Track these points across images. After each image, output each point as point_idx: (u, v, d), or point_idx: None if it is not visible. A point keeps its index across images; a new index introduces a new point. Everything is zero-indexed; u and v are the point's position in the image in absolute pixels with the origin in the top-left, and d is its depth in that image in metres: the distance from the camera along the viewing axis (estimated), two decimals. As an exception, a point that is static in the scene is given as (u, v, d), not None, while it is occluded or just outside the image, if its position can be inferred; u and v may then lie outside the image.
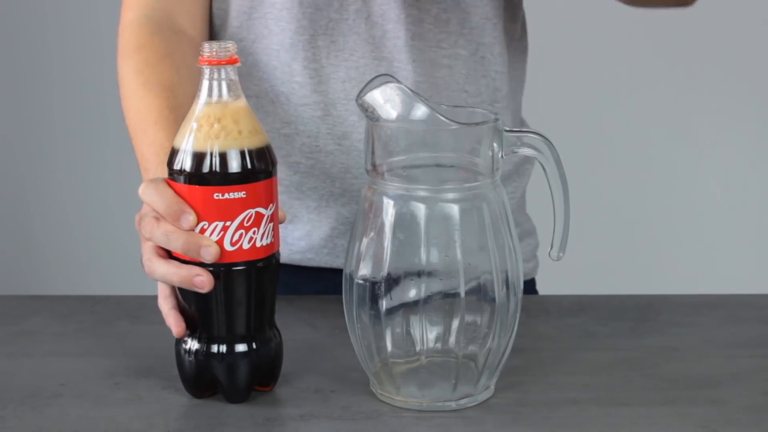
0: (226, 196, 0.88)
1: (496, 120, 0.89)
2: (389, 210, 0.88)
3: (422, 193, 0.88)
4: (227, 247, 0.89)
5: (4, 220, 2.75)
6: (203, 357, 0.91)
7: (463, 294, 0.87)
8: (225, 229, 0.89)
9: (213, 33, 1.21)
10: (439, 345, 0.89)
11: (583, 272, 2.13)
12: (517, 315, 0.91)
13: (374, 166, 0.89)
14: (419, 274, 0.87)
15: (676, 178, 2.62)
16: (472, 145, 0.89)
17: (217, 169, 0.88)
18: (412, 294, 0.88)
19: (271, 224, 0.91)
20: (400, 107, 0.89)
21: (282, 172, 1.17)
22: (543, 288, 1.31)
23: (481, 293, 0.88)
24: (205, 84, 0.90)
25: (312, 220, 1.18)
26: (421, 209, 0.88)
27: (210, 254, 0.88)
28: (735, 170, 2.66)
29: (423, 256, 0.87)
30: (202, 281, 0.89)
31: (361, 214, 0.90)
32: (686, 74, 2.61)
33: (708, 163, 2.65)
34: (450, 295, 0.88)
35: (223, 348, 0.91)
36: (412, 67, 1.13)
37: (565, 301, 1.14)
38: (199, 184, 0.89)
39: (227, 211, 0.89)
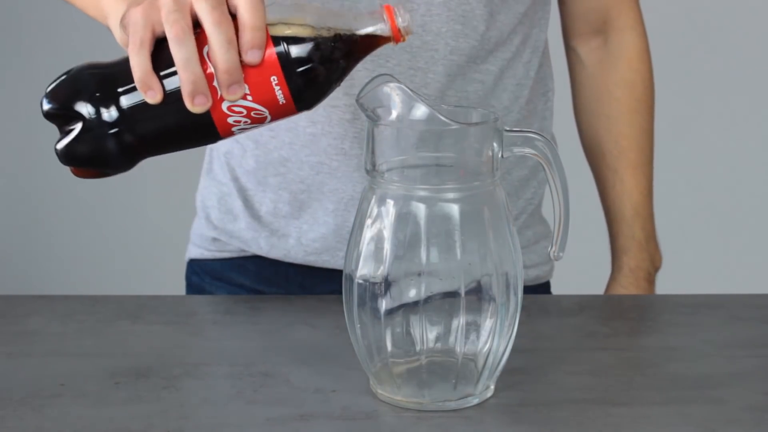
0: (271, 80, 0.88)
1: (496, 120, 0.89)
2: (389, 210, 0.88)
3: (422, 193, 0.88)
4: (223, 107, 0.87)
5: (5, 220, 2.75)
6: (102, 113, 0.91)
7: (463, 294, 0.87)
8: (244, 97, 0.88)
9: None
10: (439, 345, 0.89)
11: (583, 272, 2.13)
12: (517, 315, 0.91)
13: (374, 166, 0.89)
14: (419, 274, 0.87)
15: (676, 177, 2.62)
16: (472, 145, 0.88)
17: (290, 53, 0.88)
18: (412, 294, 0.88)
19: (256, 125, 0.90)
20: (400, 107, 0.89)
21: (304, 171, 1.17)
22: (557, 290, 1.31)
23: (481, 293, 0.88)
24: None
25: (327, 223, 1.18)
26: (421, 209, 0.88)
27: (256, 57, 0.86)
28: (735, 170, 2.66)
29: (423, 256, 0.87)
30: (154, 94, 0.86)
31: (361, 214, 0.90)
32: (687, 73, 2.61)
33: (708, 163, 2.65)
34: (450, 295, 0.88)
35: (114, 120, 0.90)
36: (446, 80, 1.13)
37: (565, 301, 1.14)
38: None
39: (257, 92, 0.88)
